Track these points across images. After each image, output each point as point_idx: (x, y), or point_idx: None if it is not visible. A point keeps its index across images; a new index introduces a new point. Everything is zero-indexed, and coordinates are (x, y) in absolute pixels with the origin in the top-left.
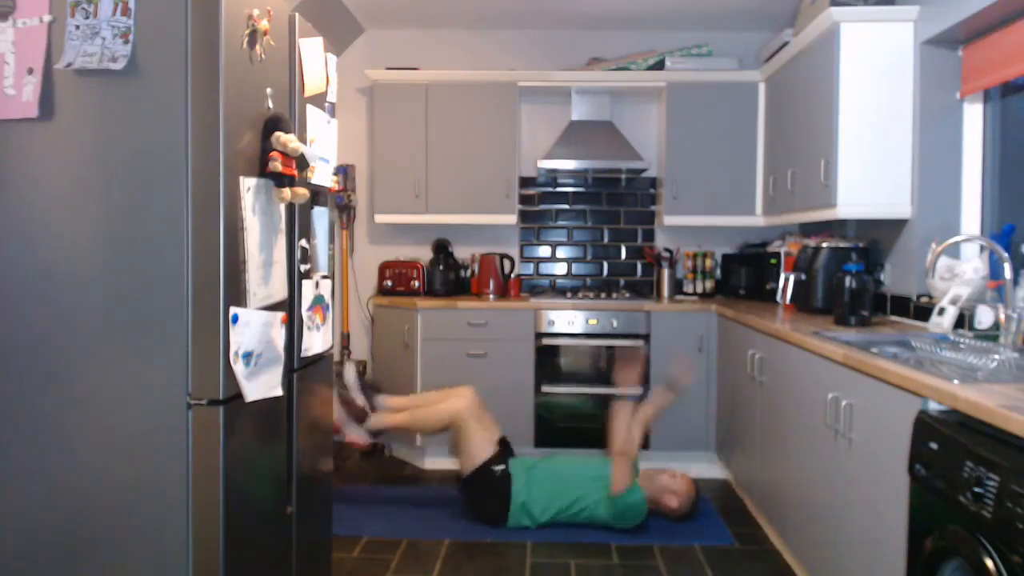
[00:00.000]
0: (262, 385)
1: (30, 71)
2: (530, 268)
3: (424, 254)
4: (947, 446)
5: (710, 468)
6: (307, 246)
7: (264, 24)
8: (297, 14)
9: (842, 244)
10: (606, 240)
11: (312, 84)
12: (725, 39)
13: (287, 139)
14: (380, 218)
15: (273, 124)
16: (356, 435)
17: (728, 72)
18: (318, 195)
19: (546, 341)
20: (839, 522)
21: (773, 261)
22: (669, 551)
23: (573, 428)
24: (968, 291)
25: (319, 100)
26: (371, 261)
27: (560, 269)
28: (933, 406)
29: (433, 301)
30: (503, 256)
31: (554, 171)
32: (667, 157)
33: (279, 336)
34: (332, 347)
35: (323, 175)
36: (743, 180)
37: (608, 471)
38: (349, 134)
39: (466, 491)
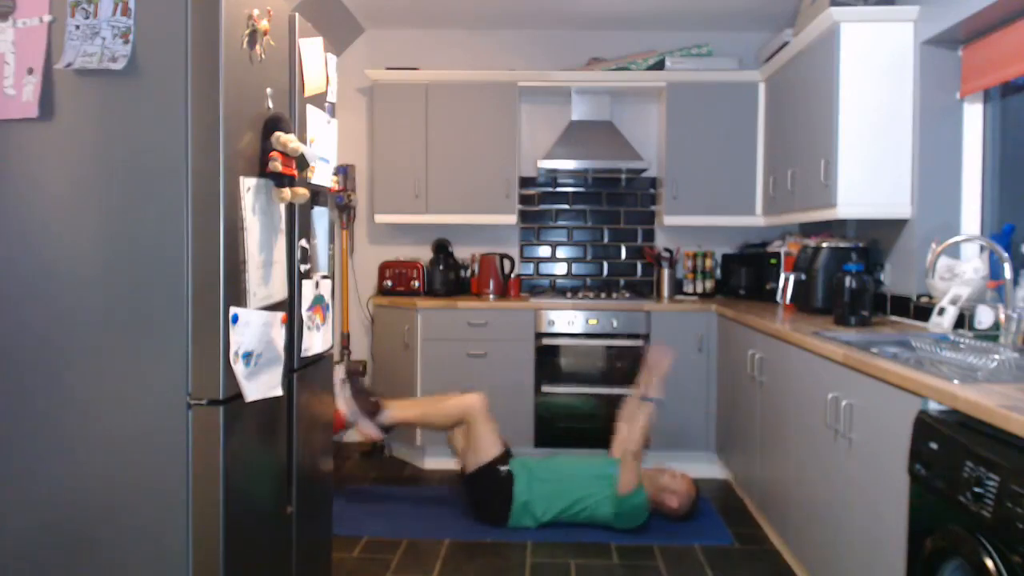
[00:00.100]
0: (262, 385)
1: (30, 71)
2: (530, 268)
3: (424, 254)
4: (947, 446)
5: (710, 468)
6: (307, 246)
7: (264, 24)
8: (297, 14)
9: (842, 244)
10: (606, 240)
11: (312, 84)
12: (725, 39)
13: (287, 139)
14: (380, 218)
15: (273, 124)
16: (369, 429)
17: (728, 72)
18: (318, 195)
19: (546, 341)
20: (839, 522)
21: (773, 261)
22: (669, 551)
23: (573, 428)
24: (968, 291)
25: (319, 100)
26: (371, 261)
27: (560, 269)
28: (933, 406)
29: (433, 301)
30: (503, 256)
31: (554, 171)
32: (667, 157)
33: (279, 336)
34: (332, 347)
35: (323, 175)
36: (743, 180)
37: (611, 470)
38: (349, 134)
39: (469, 488)
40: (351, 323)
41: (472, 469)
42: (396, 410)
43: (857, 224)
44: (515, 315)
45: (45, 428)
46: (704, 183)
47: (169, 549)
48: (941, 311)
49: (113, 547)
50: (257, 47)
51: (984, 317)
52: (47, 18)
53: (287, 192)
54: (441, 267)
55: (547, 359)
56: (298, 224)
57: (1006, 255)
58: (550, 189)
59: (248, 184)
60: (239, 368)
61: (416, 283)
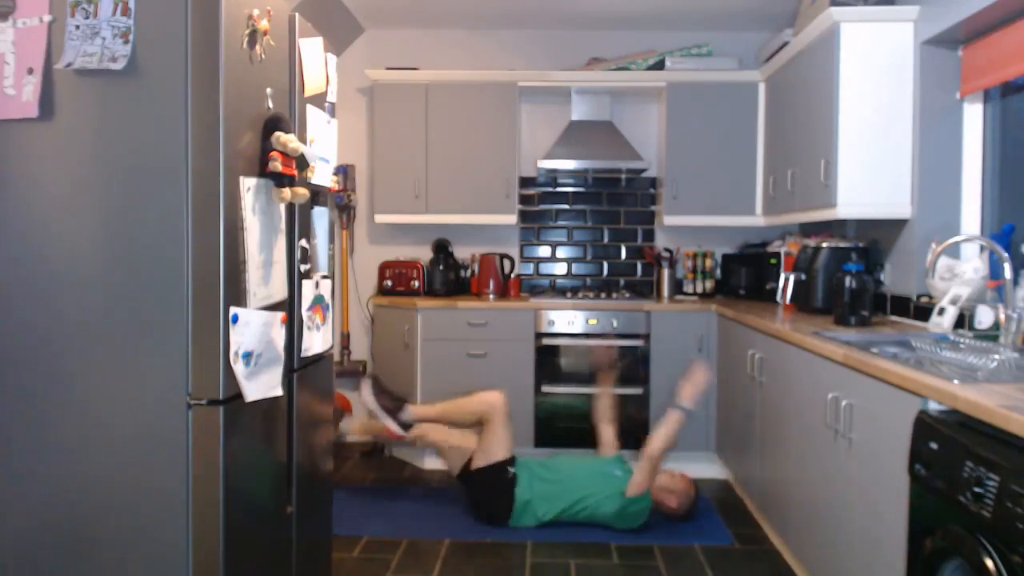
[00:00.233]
0: (262, 385)
1: (30, 71)
2: (530, 268)
3: (424, 254)
4: (947, 446)
5: (710, 468)
6: (307, 246)
7: (264, 24)
8: (297, 14)
9: (842, 244)
10: (606, 240)
11: (312, 84)
12: (725, 39)
13: (287, 139)
14: (380, 218)
15: (273, 124)
16: (392, 427)
17: (728, 72)
18: (318, 195)
19: (546, 341)
20: (839, 522)
21: (773, 261)
22: (669, 551)
23: (573, 428)
24: (968, 291)
25: (319, 100)
26: (371, 261)
27: (560, 269)
28: (933, 406)
29: (433, 301)
30: (503, 256)
31: (554, 171)
32: (667, 157)
33: (279, 336)
34: (332, 347)
35: (323, 175)
36: (743, 180)
37: (612, 470)
38: (349, 134)
39: (471, 485)
40: (351, 323)
41: (479, 466)
42: (418, 408)
43: (857, 224)
44: (515, 315)
45: (45, 428)
46: (704, 183)
47: (169, 549)
48: (941, 311)
49: (113, 547)
50: (257, 47)
51: (984, 317)
52: (47, 18)
53: (287, 192)
54: (441, 267)
55: (547, 359)
56: (298, 224)
57: (1006, 255)
58: (550, 189)
59: (248, 184)
60: (239, 368)
61: (416, 283)
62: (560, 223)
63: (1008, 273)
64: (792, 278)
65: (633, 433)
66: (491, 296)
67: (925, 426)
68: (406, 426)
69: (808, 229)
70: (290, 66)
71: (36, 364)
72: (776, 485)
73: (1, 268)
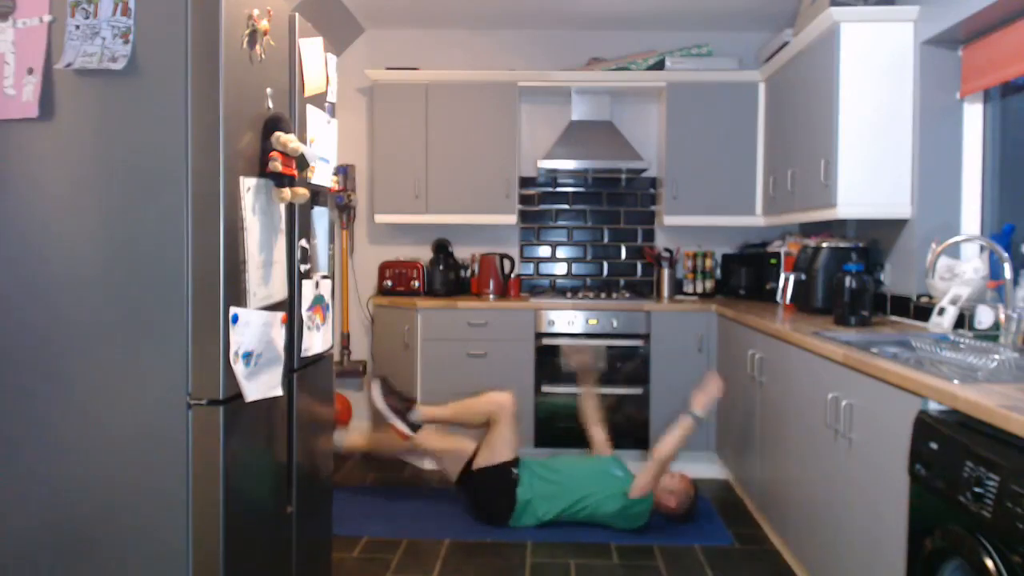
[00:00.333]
0: (262, 385)
1: (30, 71)
2: (530, 268)
3: (424, 254)
4: (947, 446)
5: (710, 468)
6: (307, 246)
7: (264, 24)
8: (297, 14)
9: (842, 244)
10: (606, 240)
11: (312, 84)
12: (725, 39)
13: (287, 139)
14: (380, 218)
15: (273, 124)
16: (401, 428)
17: (728, 72)
18: (318, 195)
19: (546, 341)
20: (839, 522)
21: (773, 261)
22: (669, 551)
23: (573, 428)
24: (968, 291)
25: (319, 100)
26: (371, 261)
27: (560, 269)
28: (933, 406)
29: (433, 301)
30: (503, 256)
31: (554, 171)
32: (667, 157)
33: (279, 336)
34: (332, 347)
35: (323, 175)
36: (743, 180)
37: (613, 470)
38: (349, 134)
39: (473, 485)
40: (351, 323)
41: (483, 465)
42: (427, 408)
43: (857, 224)
44: (515, 315)
45: (45, 428)
46: (704, 183)
47: (169, 549)
48: (941, 311)
49: (113, 547)
50: (257, 47)
51: (984, 317)
52: (47, 18)
53: (287, 192)
54: (441, 267)
55: (547, 359)
56: (298, 224)
57: (1006, 255)
58: (550, 189)
59: (248, 184)
60: (239, 368)
61: (416, 283)
62: (560, 223)
63: (1008, 273)
64: (792, 278)
65: (633, 433)
66: (491, 296)
67: (925, 426)
68: (415, 427)
69: (808, 229)
70: (290, 66)
71: (36, 364)
72: (776, 485)
73: (1, 268)
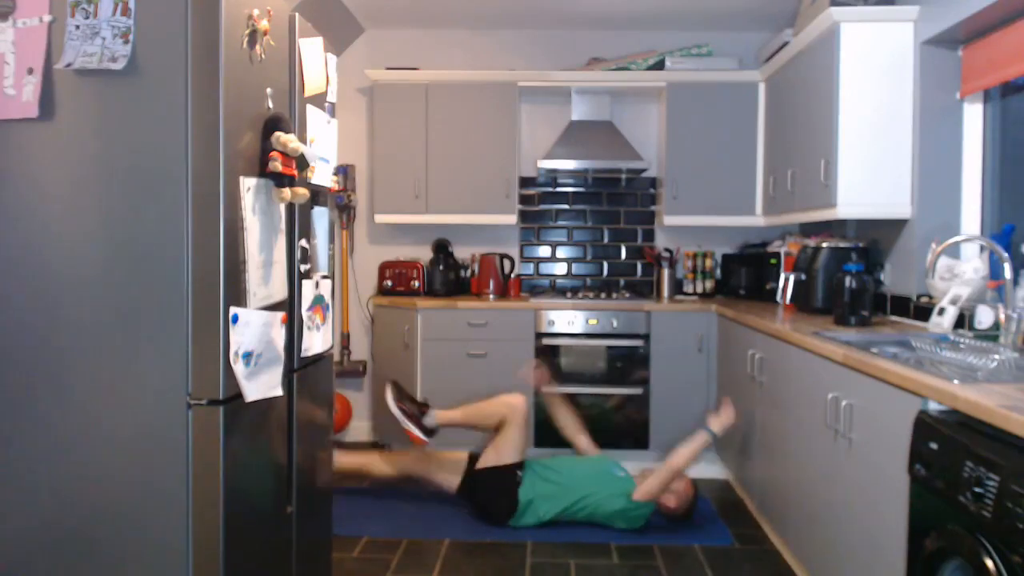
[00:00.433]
0: (262, 385)
1: (30, 71)
2: (530, 268)
3: (424, 254)
4: (947, 446)
5: (710, 468)
6: (307, 246)
7: (264, 24)
8: (297, 14)
9: (842, 244)
10: (606, 240)
11: (312, 84)
12: (725, 39)
13: (287, 139)
14: (380, 218)
15: (273, 124)
16: (415, 433)
17: (728, 72)
18: (318, 195)
19: (546, 341)
20: (839, 522)
21: (773, 261)
22: (669, 551)
23: None
24: (968, 291)
25: (319, 100)
26: (371, 261)
27: (560, 269)
28: (933, 406)
29: (433, 301)
30: (503, 256)
31: (554, 171)
32: (667, 157)
33: (279, 336)
34: (332, 347)
35: (323, 175)
36: (743, 180)
37: (615, 470)
38: (349, 134)
39: (476, 483)
40: (351, 323)
41: (488, 465)
42: (441, 412)
43: (857, 224)
44: (515, 315)
45: (45, 428)
46: (704, 183)
47: (169, 549)
48: (941, 311)
49: (113, 547)
50: (257, 47)
51: (984, 317)
52: (47, 18)
53: (287, 192)
54: (441, 267)
55: (547, 359)
56: (298, 224)
57: (1006, 255)
58: (550, 189)
59: (248, 184)
60: (239, 368)
61: (416, 283)
62: (560, 223)
63: (1008, 273)
64: (792, 278)
65: (633, 433)
66: (491, 296)
67: (925, 426)
68: (430, 432)
69: (808, 229)
70: (290, 66)
71: (36, 364)
72: (776, 485)
73: (1, 268)
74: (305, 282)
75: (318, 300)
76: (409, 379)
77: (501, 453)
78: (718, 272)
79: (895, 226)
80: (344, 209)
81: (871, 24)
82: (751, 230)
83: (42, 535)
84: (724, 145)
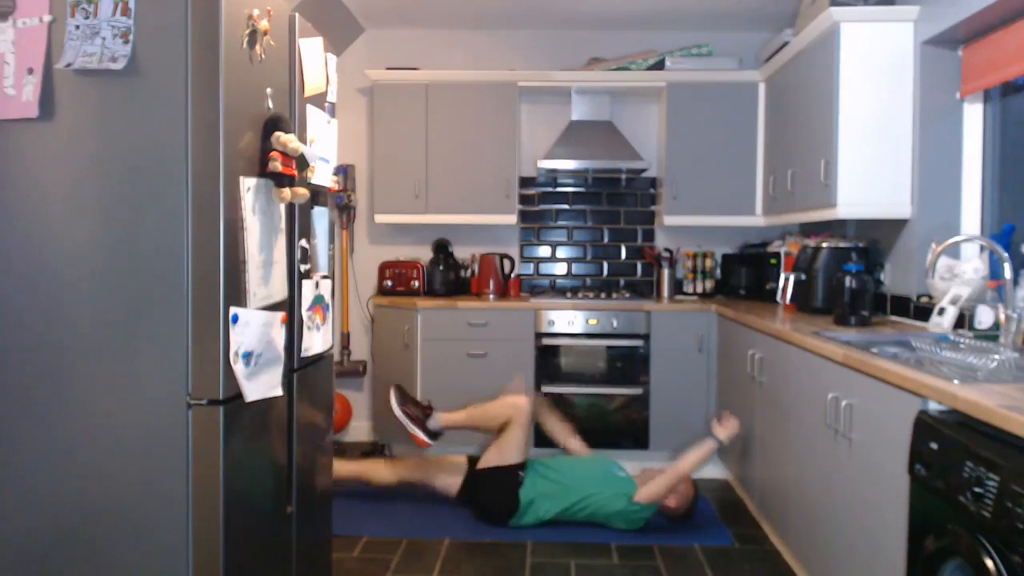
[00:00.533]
0: (262, 385)
1: (30, 71)
2: (530, 268)
3: (424, 254)
4: (947, 446)
5: (710, 468)
6: (307, 246)
7: (264, 24)
8: (297, 14)
9: (842, 244)
10: (606, 240)
11: (312, 84)
12: (725, 39)
13: (287, 139)
14: (380, 218)
15: (273, 124)
16: (420, 436)
17: (728, 72)
18: (318, 195)
19: (546, 341)
20: (839, 522)
21: (773, 261)
22: (669, 551)
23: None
24: (968, 291)
25: (319, 100)
26: (371, 261)
27: (560, 269)
28: (933, 406)
29: (433, 301)
30: (503, 256)
31: (554, 171)
32: (667, 157)
33: (279, 336)
34: (332, 347)
35: (323, 175)
36: (743, 180)
37: (616, 470)
38: (349, 134)
39: (478, 483)
40: (351, 323)
41: (489, 465)
42: (445, 415)
43: (857, 224)
44: (515, 315)
45: (45, 428)
46: (704, 183)
47: (169, 549)
48: (941, 311)
49: (113, 547)
50: (257, 47)
51: (984, 317)
52: (47, 18)
53: (287, 192)
54: (441, 267)
55: (547, 359)
56: (298, 224)
57: (1006, 255)
58: (550, 189)
59: (248, 184)
60: (239, 368)
61: (416, 283)
62: (560, 223)
63: (1008, 273)
64: (792, 278)
65: (633, 433)
66: (491, 296)
67: (925, 426)
68: (435, 435)
69: (808, 229)
70: (290, 66)
71: (36, 364)
72: (776, 485)
73: (1, 268)
74: (305, 282)
75: (318, 300)
76: (409, 379)
77: (504, 453)
78: (718, 272)
79: (895, 226)
80: (344, 209)
81: (871, 24)
82: (751, 230)
83: (42, 535)
84: (724, 145)
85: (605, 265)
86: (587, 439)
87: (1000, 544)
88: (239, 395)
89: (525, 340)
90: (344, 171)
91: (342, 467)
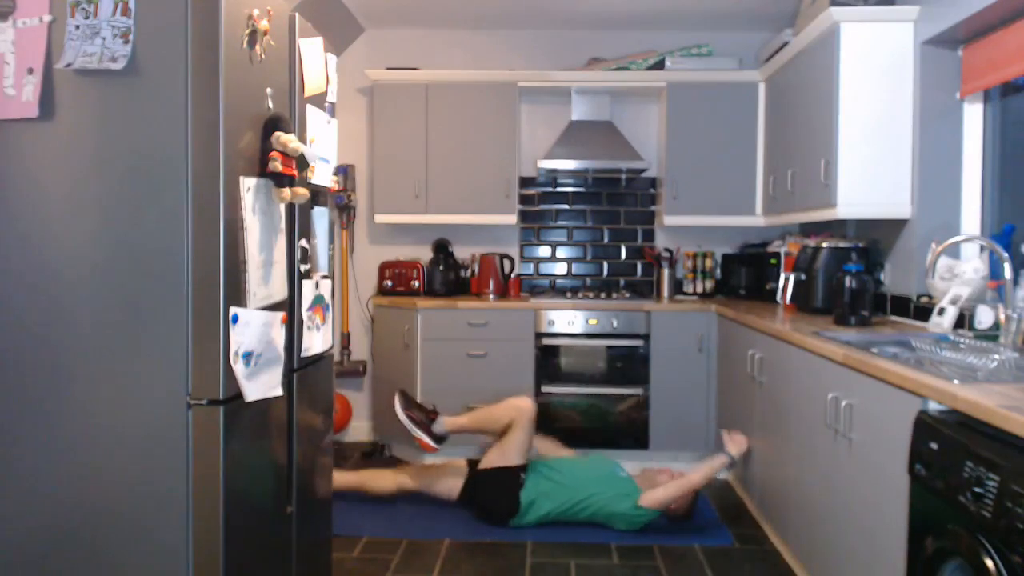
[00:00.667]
0: (262, 385)
1: (30, 71)
2: (530, 268)
3: (424, 254)
4: (947, 446)
5: None
6: (307, 246)
7: (264, 24)
8: (297, 14)
9: (842, 244)
10: (606, 240)
11: (312, 84)
12: (725, 39)
13: (287, 139)
14: (380, 218)
15: (273, 124)
16: (425, 440)
17: (728, 72)
18: (318, 195)
19: (546, 341)
20: (839, 522)
21: (773, 261)
22: (669, 551)
23: (573, 428)
24: (968, 291)
25: (319, 100)
26: (371, 261)
27: (560, 269)
28: (933, 406)
29: (433, 301)
30: (503, 256)
31: (554, 171)
32: (667, 157)
33: (279, 336)
34: (332, 347)
35: (323, 175)
36: (743, 180)
37: (617, 471)
38: (349, 134)
39: (479, 483)
40: (351, 323)
41: (491, 466)
42: (449, 419)
43: (857, 224)
44: (515, 315)
45: (45, 428)
46: (704, 183)
47: (169, 549)
48: (941, 311)
49: (113, 547)
50: (257, 47)
51: (984, 317)
52: (47, 18)
53: (287, 192)
54: (441, 267)
55: (547, 359)
56: (298, 224)
57: (1006, 255)
58: (550, 189)
59: (248, 184)
60: (239, 368)
61: (416, 283)
62: (560, 223)
63: (1008, 273)
64: (792, 278)
65: (633, 434)
66: (491, 296)
67: (925, 426)
68: (440, 439)
69: (808, 229)
70: (290, 66)
71: (36, 364)
72: (776, 485)
73: (1, 268)
74: (305, 282)
75: (318, 300)
76: (409, 379)
77: (506, 454)
78: (718, 272)
79: (895, 226)
80: (344, 209)
81: (871, 24)
82: (751, 230)
83: (42, 535)
84: (724, 145)
85: (605, 265)
86: (587, 439)
87: (1000, 544)
88: (239, 395)
89: (525, 340)
90: (344, 171)
91: (340, 478)
